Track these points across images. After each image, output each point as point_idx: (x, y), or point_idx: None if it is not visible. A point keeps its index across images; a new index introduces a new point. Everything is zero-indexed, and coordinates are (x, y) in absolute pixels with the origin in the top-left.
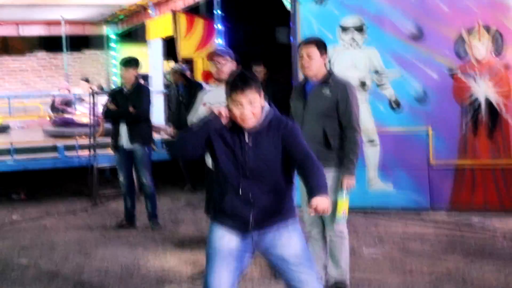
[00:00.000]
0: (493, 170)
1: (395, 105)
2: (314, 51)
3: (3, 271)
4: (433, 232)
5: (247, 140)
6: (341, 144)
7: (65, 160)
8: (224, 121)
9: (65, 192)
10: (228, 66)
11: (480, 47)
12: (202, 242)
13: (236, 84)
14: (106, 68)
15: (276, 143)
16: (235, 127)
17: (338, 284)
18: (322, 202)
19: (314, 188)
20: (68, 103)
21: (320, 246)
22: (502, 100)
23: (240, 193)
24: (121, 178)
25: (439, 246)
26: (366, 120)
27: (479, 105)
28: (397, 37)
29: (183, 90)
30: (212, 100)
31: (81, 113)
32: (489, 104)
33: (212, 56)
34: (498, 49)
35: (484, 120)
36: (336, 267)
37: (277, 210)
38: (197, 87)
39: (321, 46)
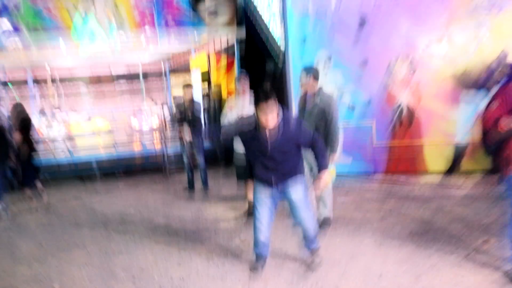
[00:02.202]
0: (411, 147)
1: (351, 108)
2: (312, 78)
3: (121, 217)
4: (377, 186)
5: (267, 135)
6: (326, 135)
7: (147, 151)
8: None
9: (148, 170)
10: (247, 85)
11: (401, 70)
12: (237, 197)
13: (262, 97)
14: (165, 90)
15: (287, 137)
16: (259, 126)
17: (326, 219)
18: (323, 181)
19: (318, 167)
20: None
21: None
22: (414, 104)
23: (264, 166)
24: (186, 159)
25: (382, 195)
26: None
27: (402, 108)
28: (352, 64)
29: (217, 102)
30: (237, 105)
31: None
32: (407, 107)
33: (240, 79)
34: (412, 70)
35: (405, 117)
36: (324, 207)
37: (289, 173)
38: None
39: (317, 74)
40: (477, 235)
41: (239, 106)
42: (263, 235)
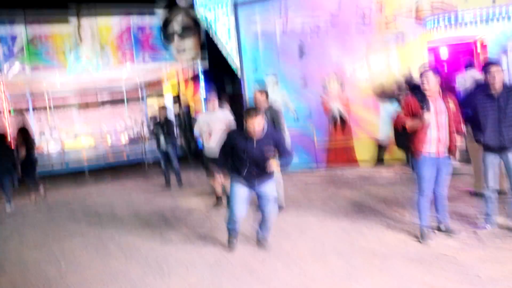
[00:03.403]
0: (344, 145)
1: (296, 117)
2: (264, 96)
3: (111, 209)
4: (319, 177)
5: (254, 144)
6: None
7: (130, 159)
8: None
9: (131, 175)
10: (216, 103)
11: (334, 87)
12: (206, 192)
13: (252, 113)
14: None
15: (269, 144)
16: (247, 136)
17: (279, 206)
18: (277, 166)
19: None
20: None
21: None
22: (345, 112)
23: (246, 167)
24: (163, 164)
25: (324, 183)
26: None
27: (335, 115)
28: (294, 82)
29: (187, 119)
30: (207, 118)
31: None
32: (340, 115)
33: (210, 99)
34: (342, 88)
35: (338, 123)
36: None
37: (266, 173)
38: (194, 118)
39: (267, 94)
40: (395, 210)
41: (210, 119)
42: (237, 215)
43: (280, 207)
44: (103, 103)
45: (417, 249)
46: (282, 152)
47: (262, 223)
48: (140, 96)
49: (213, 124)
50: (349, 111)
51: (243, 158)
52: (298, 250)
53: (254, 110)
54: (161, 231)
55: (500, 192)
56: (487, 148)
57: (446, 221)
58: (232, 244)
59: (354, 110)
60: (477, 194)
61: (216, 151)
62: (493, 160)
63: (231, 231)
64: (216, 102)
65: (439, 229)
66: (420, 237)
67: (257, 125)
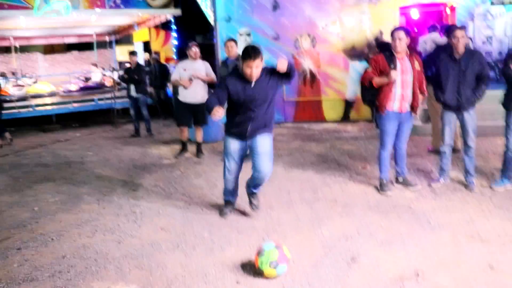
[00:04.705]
0: (312, 101)
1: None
2: (235, 45)
3: (81, 159)
4: (287, 131)
5: (252, 86)
6: None
7: (98, 105)
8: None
9: (99, 122)
10: (198, 51)
11: (305, 43)
12: (174, 141)
13: (249, 54)
14: (110, 59)
15: (267, 81)
16: (244, 78)
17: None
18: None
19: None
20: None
21: None
22: (315, 69)
23: (243, 116)
24: (132, 112)
25: (291, 136)
26: None
27: (306, 72)
28: (267, 38)
29: (157, 67)
30: (188, 66)
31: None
32: (310, 71)
33: (191, 46)
34: (313, 44)
35: (308, 78)
36: None
37: (263, 124)
38: (164, 66)
39: (236, 43)
40: (358, 163)
41: (191, 67)
42: (232, 185)
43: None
44: (70, 47)
45: (376, 199)
46: (288, 70)
47: (254, 182)
48: (109, 41)
49: (194, 72)
50: (319, 68)
51: (240, 103)
52: (266, 197)
53: (252, 51)
54: (132, 178)
55: (455, 150)
56: (446, 107)
57: (405, 174)
58: (224, 214)
59: (324, 68)
60: (434, 151)
61: (195, 100)
62: (450, 118)
63: (226, 201)
64: (198, 50)
65: (397, 181)
66: (380, 187)
67: (255, 68)
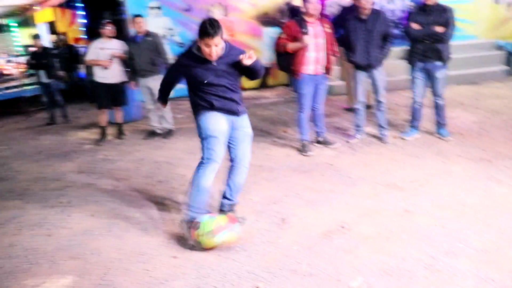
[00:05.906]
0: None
1: (180, 45)
2: (142, 21)
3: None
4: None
5: (214, 66)
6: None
7: (5, 95)
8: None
9: (9, 113)
10: (113, 30)
11: (217, 13)
12: (93, 125)
13: (207, 32)
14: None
15: (231, 62)
16: (203, 59)
17: (170, 130)
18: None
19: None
20: None
21: None
22: (230, 38)
23: (217, 95)
24: (45, 99)
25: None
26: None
27: None
28: (178, 11)
29: (66, 49)
30: (106, 45)
31: None
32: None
33: (105, 25)
34: (225, 14)
35: None
36: (167, 122)
37: (238, 102)
38: (72, 46)
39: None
40: (279, 128)
41: (106, 47)
42: (217, 152)
43: (170, 132)
44: None
45: (300, 160)
46: (252, 66)
47: (231, 176)
48: (5, 24)
49: (113, 51)
50: (233, 37)
51: (203, 87)
52: (190, 170)
53: (210, 27)
54: (54, 168)
55: (368, 107)
56: (357, 67)
57: (324, 134)
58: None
59: (238, 36)
60: (350, 110)
61: (115, 79)
62: (361, 77)
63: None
64: (112, 29)
65: (318, 142)
66: (302, 149)
67: (214, 46)
